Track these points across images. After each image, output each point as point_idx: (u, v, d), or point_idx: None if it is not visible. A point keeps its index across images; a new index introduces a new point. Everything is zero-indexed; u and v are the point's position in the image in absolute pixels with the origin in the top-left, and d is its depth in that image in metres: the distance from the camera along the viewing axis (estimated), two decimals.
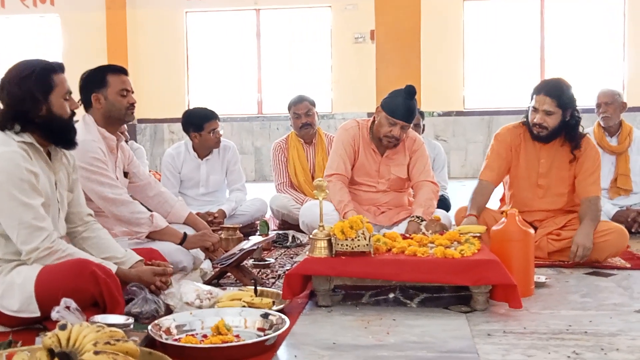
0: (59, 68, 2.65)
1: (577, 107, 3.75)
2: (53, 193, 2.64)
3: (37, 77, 2.56)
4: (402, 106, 3.88)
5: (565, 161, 3.80)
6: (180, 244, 3.34)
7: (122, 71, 3.32)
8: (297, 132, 5.39)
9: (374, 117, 4.07)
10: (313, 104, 5.38)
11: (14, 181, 2.45)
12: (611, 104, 4.89)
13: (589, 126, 5.00)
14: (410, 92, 3.87)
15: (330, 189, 3.90)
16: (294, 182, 5.37)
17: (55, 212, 2.65)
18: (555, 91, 3.68)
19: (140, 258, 2.80)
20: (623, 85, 10.26)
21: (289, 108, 5.39)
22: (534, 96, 3.74)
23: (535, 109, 3.72)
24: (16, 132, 2.55)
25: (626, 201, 4.89)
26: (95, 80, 3.25)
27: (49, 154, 2.66)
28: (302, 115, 5.30)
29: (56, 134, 2.63)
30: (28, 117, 2.55)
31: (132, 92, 3.33)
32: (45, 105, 2.56)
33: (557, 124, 3.70)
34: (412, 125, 4.10)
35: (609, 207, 4.72)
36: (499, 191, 4.09)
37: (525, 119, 3.84)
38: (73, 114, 2.68)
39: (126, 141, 5.21)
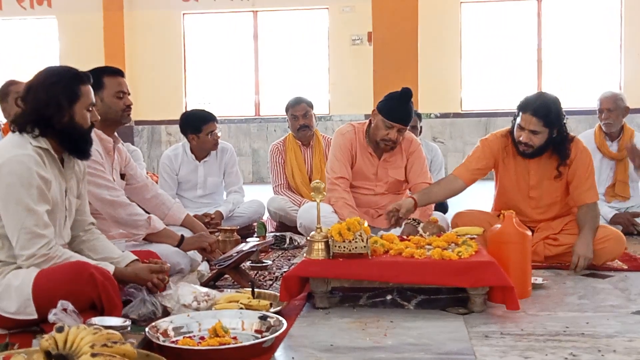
0: (87, 79, 2.67)
1: (565, 122, 3.62)
2: (62, 200, 2.65)
3: (66, 85, 2.58)
4: (398, 109, 3.88)
5: (554, 173, 3.70)
6: (178, 246, 3.33)
7: (118, 73, 3.32)
8: (294, 134, 5.38)
9: (370, 121, 4.07)
10: (311, 105, 5.36)
11: (23, 185, 2.46)
12: (614, 111, 4.79)
13: (585, 129, 4.99)
14: (406, 95, 3.86)
15: (338, 198, 3.94)
16: (291, 184, 5.36)
17: (61, 219, 2.66)
18: (542, 110, 3.53)
19: (135, 258, 2.81)
20: (620, 87, 10.26)
21: (287, 110, 5.38)
22: (520, 114, 3.60)
23: (521, 127, 3.59)
24: (34, 136, 2.56)
25: (623, 204, 4.88)
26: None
27: (61, 161, 2.67)
28: (300, 117, 5.29)
29: (73, 143, 2.64)
30: (50, 122, 2.56)
31: (129, 94, 3.33)
32: (68, 113, 2.58)
33: (544, 142, 3.59)
34: (409, 127, 4.10)
35: (606, 209, 4.69)
36: (489, 194, 4.08)
37: (512, 130, 3.71)
38: (92, 125, 2.70)
39: None
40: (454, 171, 3.83)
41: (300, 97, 5.43)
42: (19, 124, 2.58)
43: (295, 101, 5.36)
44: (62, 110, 2.57)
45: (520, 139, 3.61)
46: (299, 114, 5.29)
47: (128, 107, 3.31)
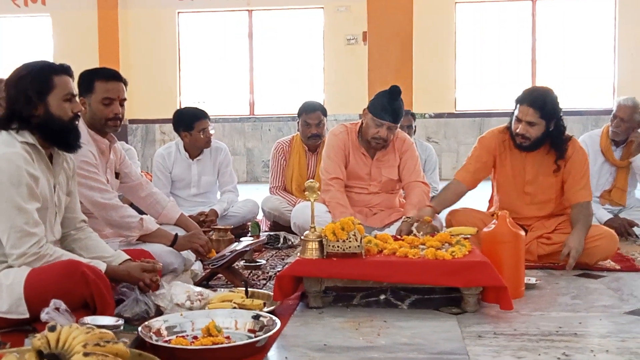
0: (61, 69, 2.62)
1: (562, 116, 3.66)
2: (51, 196, 2.63)
3: (34, 77, 2.56)
4: (387, 107, 3.90)
5: (551, 169, 3.74)
6: (172, 245, 3.32)
7: (111, 77, 3.14)
8: (303, 140, 5.27)
9: (362, 120, 4.09)
10: (325, 113, 5.23)
11: (13, 183, 2.45)
12: (627, 122, 4.68)
13: (579, 130, 4.97)
14: (394, 93, 3.88)
15: (331, 198, 3.93)
16: (287, 187, 5.30)
17: (51, 215, 2.65)
18: (538, 102, 3.58)
19: (128, 257, 2.80)
20: (614, 88, 10.30)
21: (299, 114, 5.22)
22: (518, 106, 3.66)
23: (518, 119, 3.65)
24: (17, 132, 2.54)
25: (613, 208, 4.83)
26: (84, 84, 3.15)
27: (50, 157, 2.66)
28: (313, 125, 5.14)
29: (56, 136, 2.61)
30: (21, 116, 2.54)
31: (121, 101, 3.15)
32: (41, 105, 2.55)
33: (540, 134, 3.63)
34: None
35: (601, 212, 4.64)
36: (487, 193, 4.09)
37: (510, 124, 3.77)
38: (76, 116, 2.65)
39: None
40: (456, 175, 3.89)
41: (315, 104, 5.29)
42: (1, 123, 2.57)
43: (310, 108, 5.21)
44: (32, 104, 2.54)
45: (518, 130, 3.66)
46: (312, 122, 5.15)
47: (115, 116, 3.12)
